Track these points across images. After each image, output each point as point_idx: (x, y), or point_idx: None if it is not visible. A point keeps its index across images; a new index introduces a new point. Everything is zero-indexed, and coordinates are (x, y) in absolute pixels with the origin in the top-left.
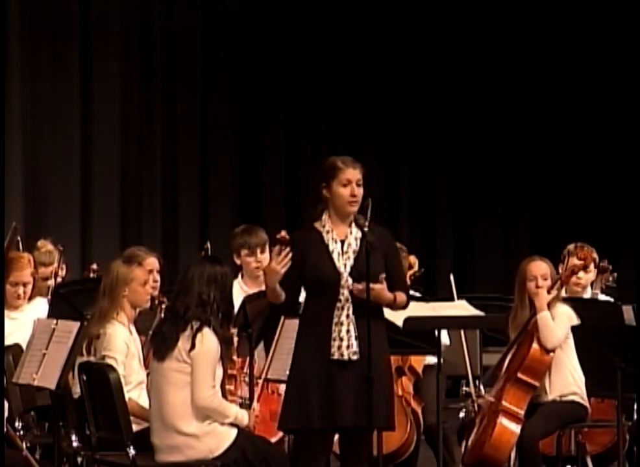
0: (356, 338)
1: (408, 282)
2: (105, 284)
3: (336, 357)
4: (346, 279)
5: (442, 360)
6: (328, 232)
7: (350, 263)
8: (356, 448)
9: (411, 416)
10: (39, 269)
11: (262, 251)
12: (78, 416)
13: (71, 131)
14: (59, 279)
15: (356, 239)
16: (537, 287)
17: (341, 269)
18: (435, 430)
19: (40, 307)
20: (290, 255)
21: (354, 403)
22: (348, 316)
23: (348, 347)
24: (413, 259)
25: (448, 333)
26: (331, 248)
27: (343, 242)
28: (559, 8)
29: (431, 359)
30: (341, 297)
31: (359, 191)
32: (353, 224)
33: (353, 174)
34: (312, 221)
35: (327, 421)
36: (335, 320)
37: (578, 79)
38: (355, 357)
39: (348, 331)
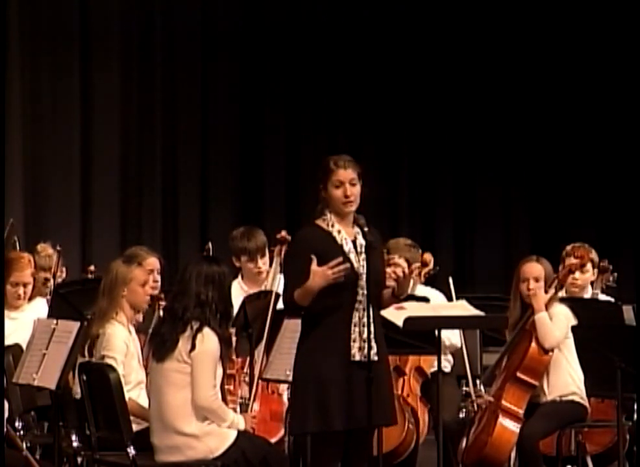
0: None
1: (422, 279)
2: (105, 284)
3: (358, 358)
4: (365, 280)
5: (452, 361)
6: (339, 232)
7: (365, 263)
8: (361, 447)
9: (410, 415)
10: (39, 273)
11: (262, 256)
12: (78, 416)
13: (71, 131)
14: (58, 280)
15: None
16: (529, 289)
17: (360, 270)
18: (449, 427)
19: (40, 307)
20: (346, 268)
21: (370, 403)
22: (369, 316)
23: (371, 348)
24: (428, 256)
25: (460, 335)
26: (346, 248)
27: (354, 242)
28: (559, 8)
29: (446, 366)
30: (361, 298)
31: (353, 191)
32: (356, 225)
33: (344, 174)
34: (312, 219)
35: (347, 423)
36: (355, 320)
37: (578, 79)
38: (376, 358)
39: (370, 333)
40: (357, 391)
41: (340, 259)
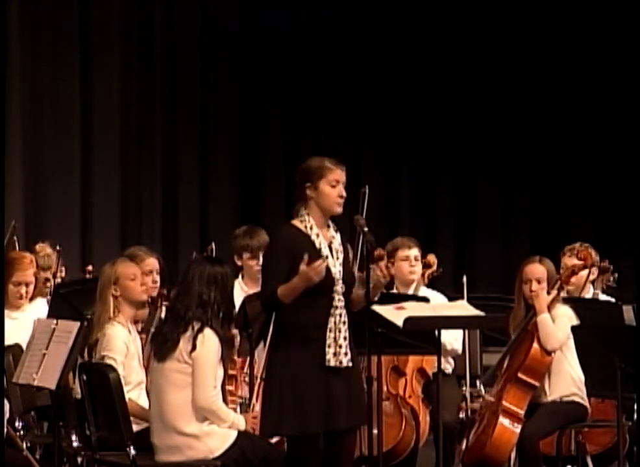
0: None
1: (426, 281)
2: (98, 288)
3: (332, 363)
4: (342, 286)
5: (453, 364)
6: (317, 235)
7: (341, 269)
8: (345, 449)
9: (410, 416)
10: (39, 273)
11: None
12: (78, 416)
13: (70, 131)
14: (58, 280)
15: (340, 244)
16: (531, 290)
17: (337, 275)
18: (449, 428)
19: (40, 307)
20: (324, 265)
21: (347, 405)
22: (345, 322)
23: (346, 354)
24: (432, 258)
25: (464, 341)
26: (324, 253)
27: (330, 246)
28: (559, 8)
29: (447, 367)
30: (337, 304)
31: (344, 193)
32: (331, 228)
33: (341, 175)
34: (289, 219)
35: (325, 426)
36: (330, 325)
37: (578, 79)
38: (350, 364)
39: (345, 338)
40: (334, 395)
41: (320, 261)
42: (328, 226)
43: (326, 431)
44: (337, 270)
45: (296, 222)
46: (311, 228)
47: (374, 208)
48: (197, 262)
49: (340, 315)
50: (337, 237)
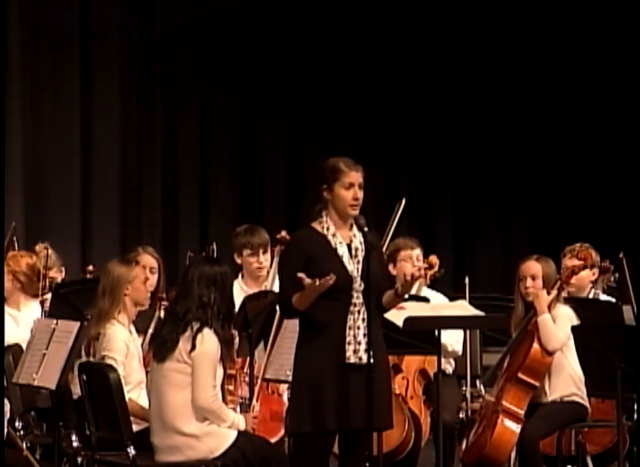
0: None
1: (428, 282)
2: (105, 285)
3: (352, 360)
4: (360, 283)
5: (453, 364)
6: (334, 235)
7: (360, 266)
8: (358, 448)
9: (409, 415)
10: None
11: (264, 252)
12: (78, 416)
13: (70, 131)
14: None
15: (361, 243)
16: (526, 287)
17: (354, 273)
18: (449, 428)
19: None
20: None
21: (366, 405)
22: (364, 320)
23: (366, 350)
24: (434, 258)
25: (464, 341)
26: (340, 251)
27: (349, 245)
28: (558, 9)
29: (447, 368)
30: (356, 301)
31: (361, 194)
32: (354, 227)
33: (356, 177)
34: (309, 221)
35: (341, 424)
36: (350, 323)
37: (578, 80)
38: (371, 360)
39: (365, 335)
40: (352, 392)
41: (332, 277)
42: (351, 226)
43: (341, 429)
44: (354, 268)
45: (314, 224)
46: (327, 229)
47: (374, 208)
48: (196, 263)
49: (359, 312)
50: (359, 235)
